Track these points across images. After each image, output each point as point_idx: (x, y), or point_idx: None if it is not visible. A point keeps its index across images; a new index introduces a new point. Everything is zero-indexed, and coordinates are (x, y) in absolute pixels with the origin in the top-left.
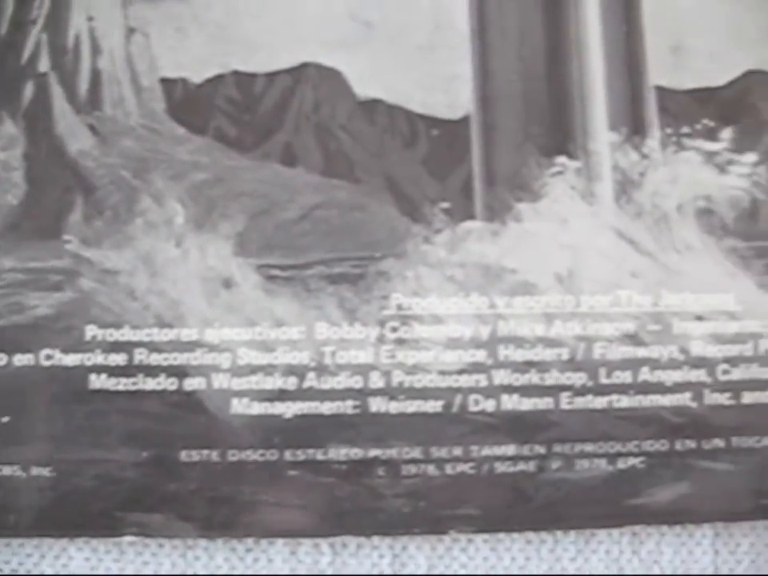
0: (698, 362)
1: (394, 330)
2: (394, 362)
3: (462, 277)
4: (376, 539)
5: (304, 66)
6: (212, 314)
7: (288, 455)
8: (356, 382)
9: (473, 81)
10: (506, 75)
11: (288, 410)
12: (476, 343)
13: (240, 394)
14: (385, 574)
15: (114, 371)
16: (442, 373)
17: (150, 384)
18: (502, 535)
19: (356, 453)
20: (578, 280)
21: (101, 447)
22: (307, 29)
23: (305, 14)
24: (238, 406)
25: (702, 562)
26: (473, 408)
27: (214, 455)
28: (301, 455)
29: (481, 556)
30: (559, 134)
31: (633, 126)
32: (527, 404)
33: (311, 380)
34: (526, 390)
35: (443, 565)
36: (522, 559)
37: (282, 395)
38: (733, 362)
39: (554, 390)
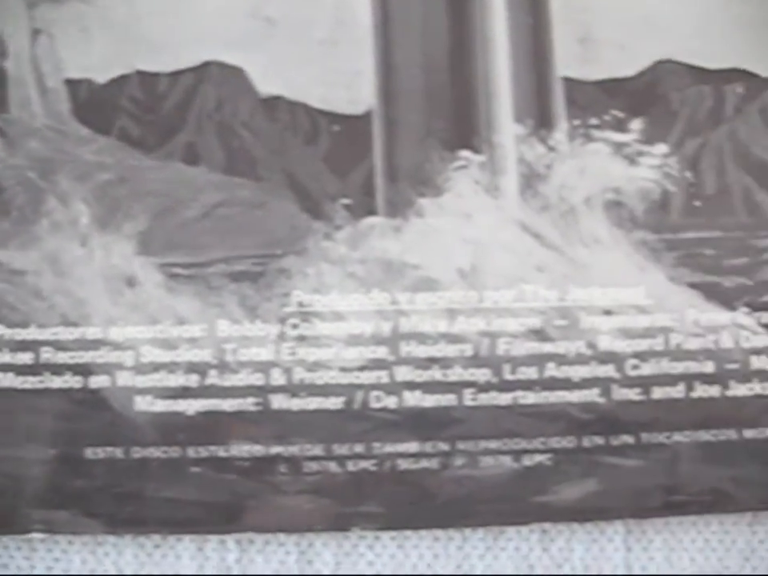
0: (607, 357)
1: (295, 327)
2: (295, 359)
3: (364, 273)
4: (282, 536)
5: (206, 64)
6: (116, 313)
7: (191, 452)
8: (257, 379)
9: (375, 76)
10: (408, 69)
11: (190, 407)
12: (377, 340)
13: (143, 391)
14: (292, 573)
15: (20, 370)
16: (343, 369)
17: (56, 382)
18: (409, 532)
19: (258, 450)
20: (481, 275)
21: (7, 445)
22: (210, 27)
23: (207, 12)
24: (142, 404)
25: (614, 560)
26: (374, 405)
27: (119, 452)
28: (203, 452)
29: (388, 553)
30: (463, 127)
31: (539, 119)
32: (430, 401)
33: (213, 377)
34: (428, 387)
35: (350, 562)
36: (429, 556)
37: (184, 392)
38: (642, 356)
39: (457, 387)
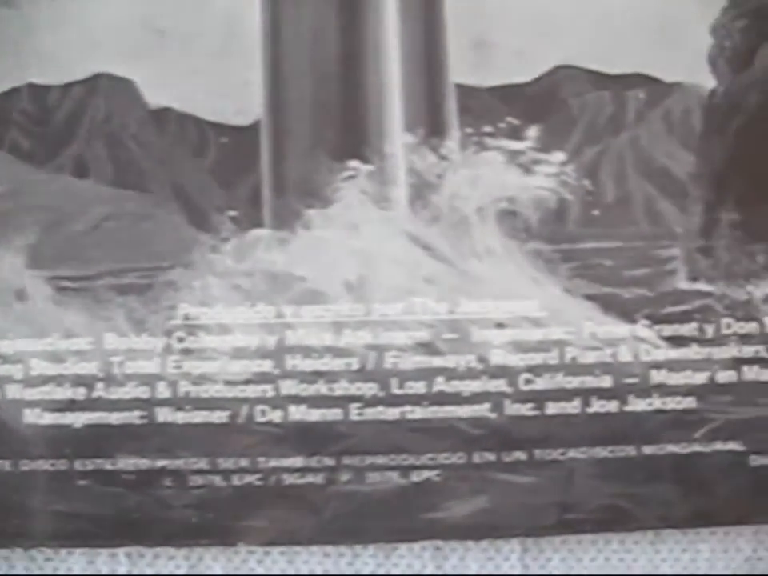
0: (498, 372)
1: (181, 340)
2: (180, 372)
3: (249, 286)
4: (172, 550)
5: (97, 76)
6: (5, 326)
7: (78, 465)
8: (143, 392)
9: (263, 86)
10: (298, 79)
11: (77, 419)
12: (262, 353)
13: (32, 404)
14: None
15: None
16: (228, 383)
17: None
18: (299, 548)
19: (144, 463)
20: (369, 287)
21: None
22: (101, 39)
23: (99, 24)
24: (30, 416)
25: None
26: (259, 419)
27: (7, 465)
28: (90, 465)
29: (278, 568)
30: (352, 137)
31: (431, 127)
32: (315, 415)
33: (100, 390)
34: (314, 401)
35: None
36: (320, 572)
37: (71, 405)
38: (536, 371)
39: (343, 401)
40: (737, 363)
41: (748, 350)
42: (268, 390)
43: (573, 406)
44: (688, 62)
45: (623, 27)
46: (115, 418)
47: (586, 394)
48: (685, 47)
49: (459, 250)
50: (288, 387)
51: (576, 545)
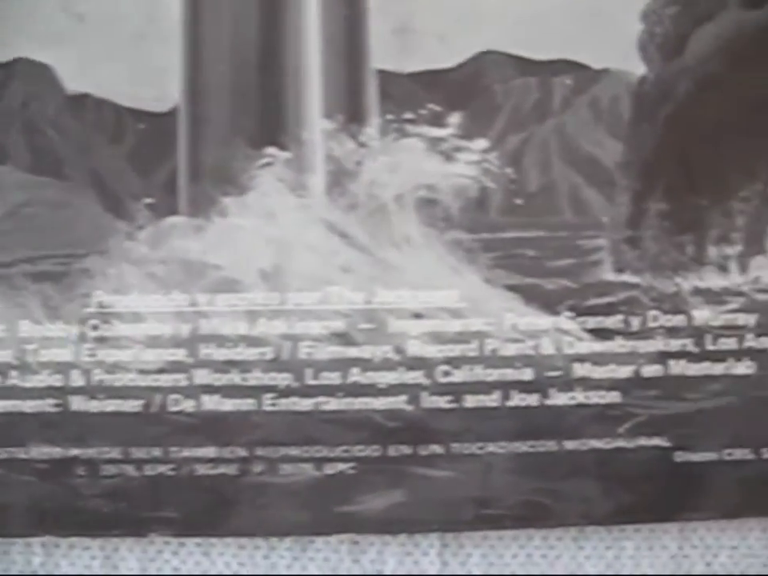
0: (415, 363)
1: (95, 328)
2: (94, 361)
3: (164, 274)
4: (87, 540)
5: (15, 61)
6: None
7: None
8: (57, 381)
9: (182, 72)
10: (217, 65)
11: None
12: (176, 342)
13: None
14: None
15: None
16: (142, 372)
17: None
18: (214, 540)
19: (57, 452)
20: (284, 276)
21: None
22: (20, 23)
23: (19, 8)
24: None
25: (429, 573)
26: (173, 408)
27: None
28: (3, 453)
29: (193, 560)
30: (270, 124)
31: (350, 113)
32: (228, 405)
33: (14, 378)
34: (227, 391)
35: (155, 567)
36: (235, 564)
37: None
38: (454, 362)
39: (257, 391)
40: (663, 357)
41: (675, 344)
42: (181, 380)
43: (492, 399)
44: (617, 48)
45: (551, 12)
46: (29, 406)
47: (505, 387)
48: (614, 33)
49: (377, 238)
50: (201, 377)
51: (497, 541)
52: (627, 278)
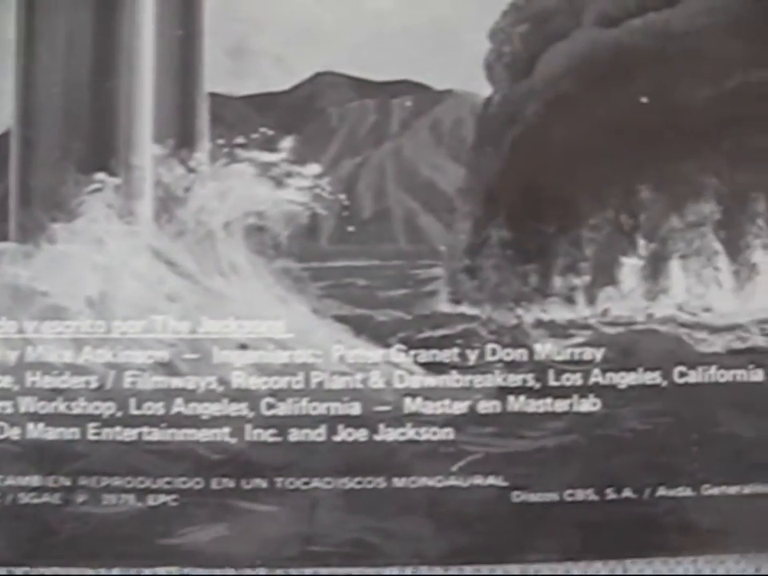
0: (240, 395)
1: None
2: None
3: None
4: None
5: None
6: None
7: None
8: None
9: (15, 95)
10: (49, 89)
11: None
12: (3, 369)
13: None
14: None
15: None
16: None
17: None
18: (43, 568)
19: None
20: (110, 304)
21: None
22: None
23: None
24: None
25: None
26: None
27: None
28: None
29: None
30: (101, 148)
31: (181, 138)
32: (53, 433)
33: None
34: (52, 419)
35: None
36: None
37: None
38: (279, 395)
39: (82, 420)
40: (501, 392)
41: (514, 379)
42: (7, 407)
43: (318, 434)
44: (463, 68)
45: (393, 32)
46: None
47: (332, 421)
48: (460, 53)
49: (203, 266)
50: (27, 404)
51: None
52: (465, 309)
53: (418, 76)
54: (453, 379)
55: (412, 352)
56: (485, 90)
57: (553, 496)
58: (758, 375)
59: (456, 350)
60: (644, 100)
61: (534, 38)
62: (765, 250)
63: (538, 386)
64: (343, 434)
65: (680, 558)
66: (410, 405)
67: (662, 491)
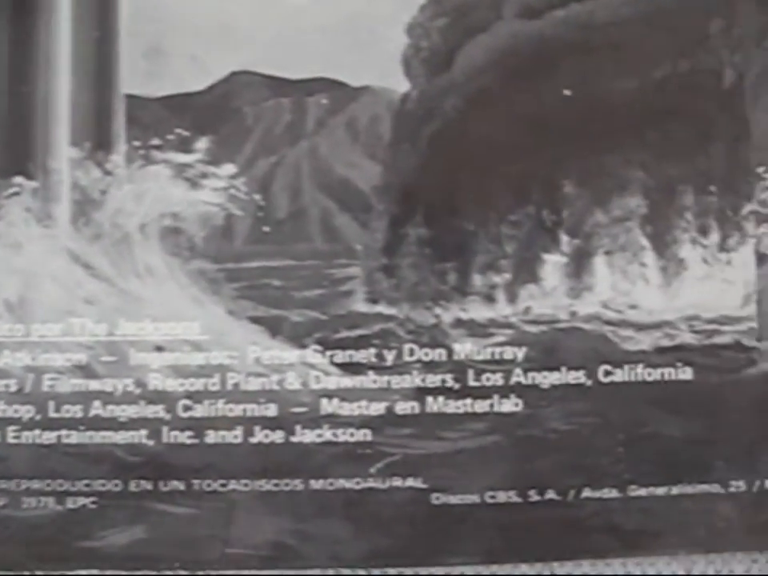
0: (156, 397)
1: None
2: None
3: None
4: None
5: None
6: None
7: None
8: None
9: None
10: None
11: None
12: None
13: None
14: None
15: None
16: None
17: None
18: None
19: None
20: (29, 307)
21: None
22: None
23: None
24: None
25: None
26: None
27: None
28: None
29: None
30: (18, 152)
31: (97, 141)
32: None
33: None
34: None
35: None
36: None
37: None
38: (196, 397)
39: (1, 423)
40: (419, 393)
41: (433, 379)
42: None
43: (234, 435)
44: (379, 64)
45: (309, 29)
46: None
47: (248, 422)
48: (377, 49)
49: (120, 268)
50: None
51: None
52: (382, 309)
53: (334, 73)
54: (370, 380)
55: (328, 353)
56: (402, 85)
57: (474, 498)
58: (686, 373)
59: (373, 351)
60: (567, 93)
61: (453, 32)
62: (693, 245)
63: (457, 386)
64: (260, 436)
65: (608, 560)
66: (327, 406)
67: (587, 493)
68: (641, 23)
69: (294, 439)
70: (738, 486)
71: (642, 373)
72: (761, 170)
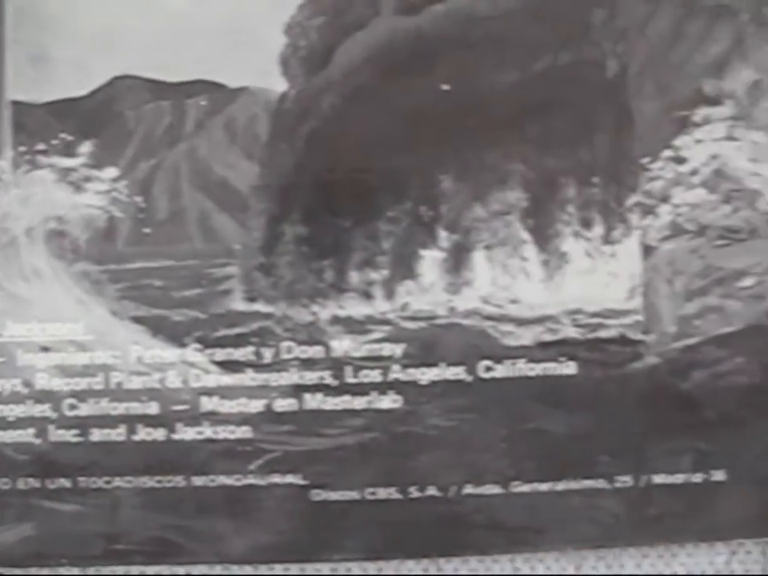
0: (43, 396)
1: None
2: None
3: None
4: None
5: None
6: None
7: None
8: None
9: None
10: None
11: None
12: None
13: None
14: None
15: None
16: None
17: None
18: None
19: None
20: None
21: None
22: None
23: None
24: None
25: None
26: None
27: None
28: None
29: None
30: None
31: None
32: None
33: None
34: None
35: None
36: None
37: None
38: (81, 396)
39: None
40: (297, 390)
41: (311, 377)
42: None
43: (118, 433)
44: (258, 65)
45: (188, 32)
46: None
47: (131, 420)
48: (255, 49)
49: (7, 272)
50: None
51: None
52: (259, 307)
53: (213, 75)
54: (248, 378)
55: (208, 351)
56: (280, 85)
57: (354, 494)
58: (569, 368)
59: (251, 349)
60: (445, 87)
61: (331, 30)
62: (576, 238)
63: (335, 383)
64: (142, 434)
65: (496, 557)
66: (207, 404)
67: (468, 489)
68: (522, 16)
69: (175, 437)
70: (625, 481)
71: (523, 368)
72: (645, 160)
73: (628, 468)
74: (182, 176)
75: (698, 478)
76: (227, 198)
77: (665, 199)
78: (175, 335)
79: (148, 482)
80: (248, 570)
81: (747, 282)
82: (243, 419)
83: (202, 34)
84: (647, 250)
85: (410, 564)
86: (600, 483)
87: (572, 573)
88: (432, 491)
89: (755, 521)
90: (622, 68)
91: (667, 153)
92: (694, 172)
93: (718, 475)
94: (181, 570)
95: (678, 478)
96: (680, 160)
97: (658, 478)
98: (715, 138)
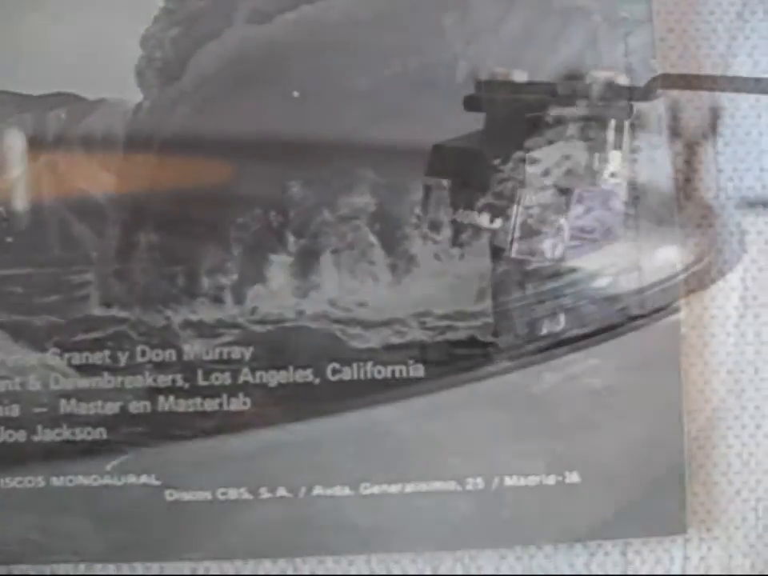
0: None
1: None
2: None
3: None
4: None
5: None
6: None
7: None
8: None
9: None
10: None
11: None
12: None
13: None
14: None
15: None
16: None
17: None
18: None
19: None
20: None
21: None
22: None
23: None
24: None
25: None
26: None
27: None
28: None
29: None
30: None
31: None
32: None
33: None
34: None
35: None
36: None
37: None
38: None
39: None
40: (151, 393)
41: (164, 379)
42: None
43: None
44: (116, 77)
45: (50, 45)
46: None
47: None
48: (114, 61)
49: None
50: None
51: None
52: (115, 312)
53: (73, 87)
54: (105, 380)
55: (66, 355)
56: (136, 96)
57: (206, 495)
58: (418, 371)
59: (107, 352)
60: (296, 94)
61: (185, 41)
62: (424, 241)
63: (187, 385)
64: (4, 435)
65: (352, 558)
66: (66, 406)
67: (318, 490)
68: (373, 22)
69: (35, 438)
70: (476, 483)
71: (371, 370)
72: (496, 162)
73: (479, 470)
74: (43, 187)
75: (551, 480)
76: (86, 207)
77: (515, 200)
78: (36, 340)
79: (9, 482)
80: (111, 569)
81: (601, 282)
82: (99, 421)
83: (64, 46)
84: (496, 252)
85: (267, 564)
86: (450, 485)
87: (429, 574)
88: (282, 492)
89: (613, 521)
90: (472, 70)
91: (518, 154)
92: (545, 173)
93: (573, 477)
94: (47, 569)
95: (532, 480)
96: (531, 161)
97: (511, 480)
98: (567, 138)
